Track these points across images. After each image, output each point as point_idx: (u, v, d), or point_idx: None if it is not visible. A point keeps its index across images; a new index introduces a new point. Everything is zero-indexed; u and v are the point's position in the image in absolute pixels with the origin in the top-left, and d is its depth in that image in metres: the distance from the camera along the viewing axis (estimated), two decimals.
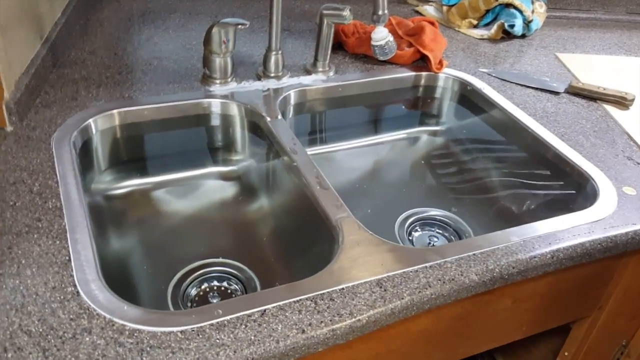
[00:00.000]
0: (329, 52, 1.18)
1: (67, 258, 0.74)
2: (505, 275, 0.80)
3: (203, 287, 0.94)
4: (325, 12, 1.11)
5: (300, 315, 0.70)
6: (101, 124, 1.01)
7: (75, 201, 0.82)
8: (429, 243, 1.04)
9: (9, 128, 0.96)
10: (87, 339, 0.65)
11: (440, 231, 1.08)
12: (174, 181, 1.11)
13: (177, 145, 1.11)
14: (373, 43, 1.05)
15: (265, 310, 0.70)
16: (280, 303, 0.71)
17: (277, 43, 1.12)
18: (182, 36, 1.31)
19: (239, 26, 1.02)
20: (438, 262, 0.79)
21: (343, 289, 0.74)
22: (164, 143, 1.09)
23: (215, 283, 0.95)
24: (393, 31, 1.30)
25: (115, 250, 0.97)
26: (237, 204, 1.09)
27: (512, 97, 1.19)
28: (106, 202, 1.03)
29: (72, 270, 0.72)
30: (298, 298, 0.72)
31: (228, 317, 0.69)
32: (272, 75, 1.16)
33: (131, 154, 1.07)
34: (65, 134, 0.96)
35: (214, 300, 0.91)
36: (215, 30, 1.04)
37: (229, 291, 0.94)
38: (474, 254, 0.81)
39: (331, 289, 0.74)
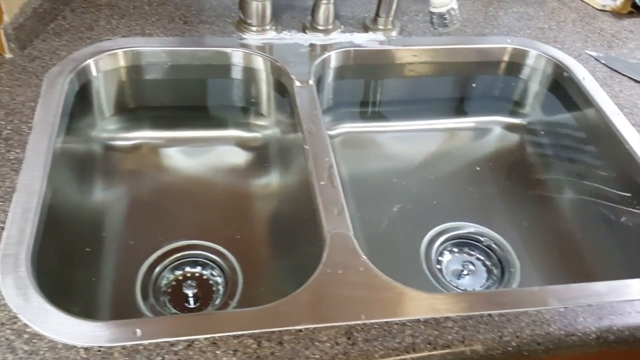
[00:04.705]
0: (394, 7, 0.96)
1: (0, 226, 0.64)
2: (525, 352, 0.60)
3: (181, 271, 0.82)
4: None
5: (233, 358, 0.56)
6: (107, 64, 0.89)
7: (40, 156, 0.72)
8: (462, 271, 0.84)
9: (7, 55, 0.86)
10: None
11: (482, 258, 0.86)
12: (185, 140, 0.97)
13: (195, 99, 0.96)
14: (431, 9, 0.83)
15: (193, 342, 0.57)
16: (216, 335, 0.57)
17: None
18: None
19: None
20: (436, 317, 0.61)
21: (300, 331, 0.58)
22: (182, 94, 0.95)
23: (198, 270, 0.82)
24: None
25: (96, 205, 0.86)
26: (246, 175, 0.93)
27: (618, 96, 0.92)
28: (104, 153, 0.92)
29: None
30: (239, 332, 0.58)
31: (146, 342, 0.56)
32: (320, 28, 0.96)
33: (141, 101, 0.94)
34: (63, 70, 0.85)
35: (189, 292, 0.78)
36: None
37: (210, 282, 0.81)
38: (489, 315, 0.61)
39: (285, 328, 0.58)
